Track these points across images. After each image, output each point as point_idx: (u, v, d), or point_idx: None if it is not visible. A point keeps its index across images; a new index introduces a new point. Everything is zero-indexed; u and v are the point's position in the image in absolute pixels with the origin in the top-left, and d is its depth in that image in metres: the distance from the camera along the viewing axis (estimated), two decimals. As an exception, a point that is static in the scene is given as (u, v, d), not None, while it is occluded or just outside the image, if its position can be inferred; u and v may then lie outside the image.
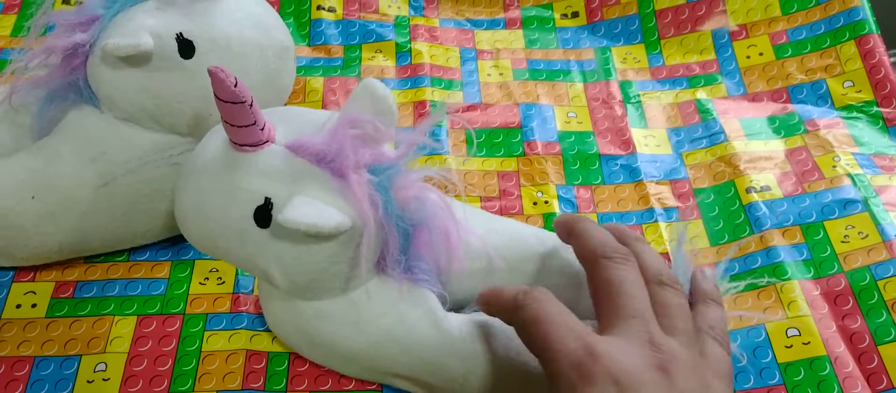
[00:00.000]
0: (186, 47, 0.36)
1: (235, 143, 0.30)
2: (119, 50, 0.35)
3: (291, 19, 0.54)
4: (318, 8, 0.55)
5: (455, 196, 0.33)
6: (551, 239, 0.36)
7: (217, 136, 0.31)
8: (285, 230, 0.29)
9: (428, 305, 0.33)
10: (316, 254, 0.30)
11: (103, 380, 0.37)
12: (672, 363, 0.28)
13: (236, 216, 0.30)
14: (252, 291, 0.40)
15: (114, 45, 0.35)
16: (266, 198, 0.29)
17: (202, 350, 0.38)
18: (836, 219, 0.42)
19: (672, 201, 0.45)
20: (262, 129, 0.29)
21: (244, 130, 0.29)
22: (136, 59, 0.36)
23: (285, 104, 0.48)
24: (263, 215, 0.29)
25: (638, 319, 0.29)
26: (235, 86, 0.28)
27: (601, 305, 0.30)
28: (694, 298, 0.33)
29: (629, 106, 0.51)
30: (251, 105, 0.28)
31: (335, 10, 0.55)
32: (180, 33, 0.36)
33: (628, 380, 0.27)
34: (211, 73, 0.27)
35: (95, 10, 0.37)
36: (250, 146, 0.29)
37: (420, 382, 0.34)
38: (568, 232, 0.33)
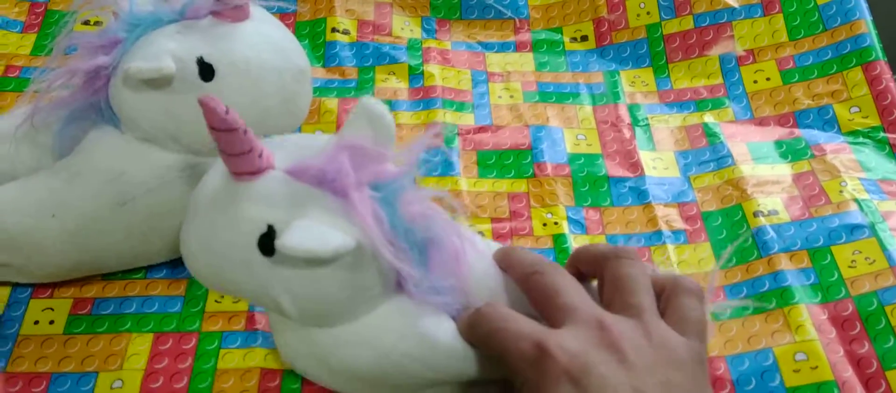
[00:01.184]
0: (207, 71, 0.37)
1: (234, 173, 0.29)
2: (141, 73, 0.36)
3: (306, 41, 0.55)
4: (333, 30, 0.55)
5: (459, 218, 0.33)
6: None
7: (216, 171, 0.31)
8: (290, 257, 0.28)
9: (449, 320, 0.33)
10: (323, 278, 0.30)
11: (120, 396, 0.37)
12: (621, 339, 0.29)
13: (241, 247, 0.29)
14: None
15: (136, 69, 0.35)
16: (268, 225, 0.29)
17: (217, 368, 0.38)
18: (843, 244, 0.43)
19: (680, 224, 0.46)
20: (260, 157, 0.29)
21: (241, 158, 0.28)
22: (158, 82, 0.37)
23: (301, 126, 0.49)
24: (267, 243, 0.29)
25: (581, 309, 0.30)
26: (227, 113, 0.27)
27: (545, 312, 0.32)
28: (674, 290, 0.33)
29: (638, 129, 0.51)
30: (245, 132, 0.28)
31: (349, 33, 0.56)
32: (201, 57, 0.37)
33: (577, 365, 0.28)
34: (201, 102, 0.27)
35: (118, 33, 0.37)
36: (249, 174, 0.29)
37: (455, 385, 0.34)
38: (503, 262, 0.34)
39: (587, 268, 0.34)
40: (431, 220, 0.30)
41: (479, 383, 0.34)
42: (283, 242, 0.28)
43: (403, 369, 0.32)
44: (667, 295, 0.32)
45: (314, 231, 0.28)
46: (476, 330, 0.31)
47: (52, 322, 0.40)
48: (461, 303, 0.32)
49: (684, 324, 0.31)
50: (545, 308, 0.32)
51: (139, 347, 0.39)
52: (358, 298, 0.31)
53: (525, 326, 0.30)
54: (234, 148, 0.28)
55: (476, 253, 0.33)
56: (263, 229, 0.29)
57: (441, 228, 0.31)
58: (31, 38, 0.54)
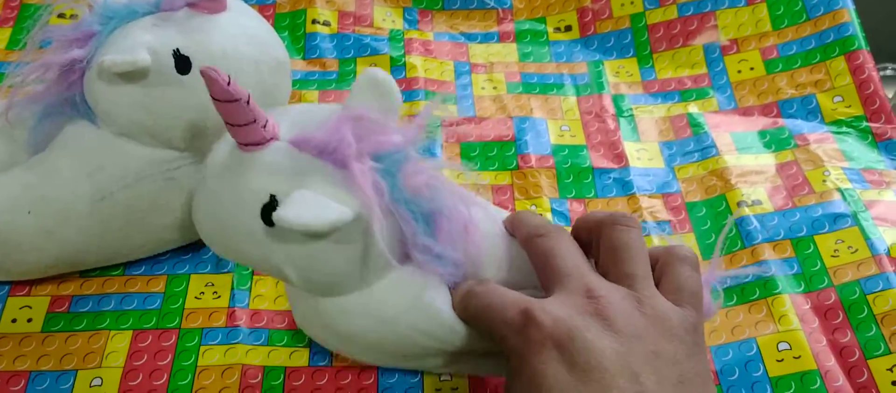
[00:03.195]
0: (183, 63, 0.37)
1: (239, 144, 0.30)
2: (116, 66, 0.35)
3: (286, 33, 0.55)
4: (314, 22, 0.55)
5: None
6: None
7: (226, 142, 0.31)
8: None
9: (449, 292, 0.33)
10: (324, 248, 0.30)
11: (99, 395, 0.37)
12: (609, 307, 0.29)
13: (245, 216, 0.30)
14: (247, 305, 0.41)
15: (111, 62, 0.35)
16: (271, 195, 0.29)
17: (198, 365, 0.38)
18: (826, 233, 0.43)
19: (664, 215, 0.46)
20: (264, 127, 0.29)
21: (245, 129, 0.29)
22: (133, 75, 0.36)
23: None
24: (270, 213, 0.29)
25: (573, 275, 0.30)
26: (228, 84, 0.28)
27: (541, 275, 0.32)
28: (668, 259, 0.32)
29: (622, 119, 0.51)
30: (248, 102, 0.28)
31: (330, 24, 0.55)
32: (177, 49, 0.37)
33: (562, 330, 0.28)
34: (203, 73, 0.27)
35: (92, 26, 0.37)
36: (254, 145, 0.29)
37: (461, 357, 0.34)
38: (511, 226, 0.34)
39: (586, 235, 0.33)
40: (436, 190, 0.30)
41: (479, 353, 0.34)
42: (280, 215, 0.28)
43: (407, 339, 0.32)
44: (661, 264, 0.32)
45: (312, 203, 0.28)
46: (468, 307, 0.31)
47: (30, 320, 0.40)
48: (470, 273, 0.32)
49: (679, 293, 0.31)
50: (542, 270, 0.31)
51: (118, 344, 0.39)
52: (361, 269, 0.31)
53: (512, 296, 0.30)
54: (237, 119, 0.28)
55: (489, 220, 0.33)
56: (266, 199, 0.29)
57: (448, 198, 0.31)
58: (6, 32, 0.53)
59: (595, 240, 0.32)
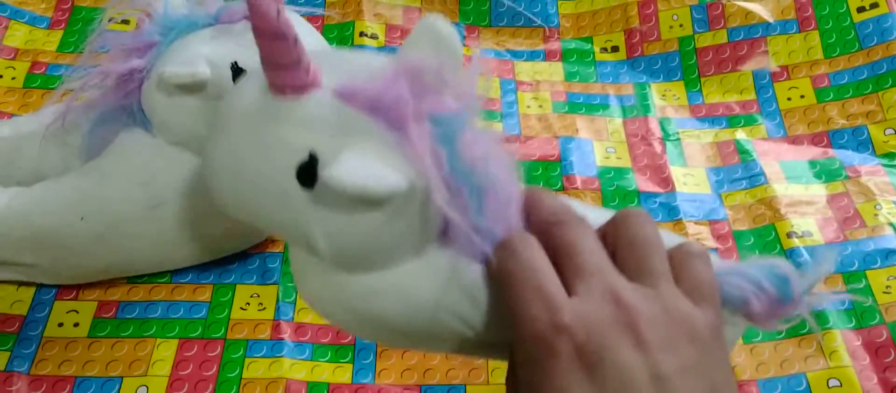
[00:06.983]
0: (240, 75, 0.37)
1: (276, 87, 0.25)
2: (176, 78, 0.35)
3: (334, 45, 0.55)
4: (361, 34, 0.55)
5: None
6: None
7: (253, 82, 0.26)
8: (332, 192, 0.25)
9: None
10: (368, 220, 0.26)
11: (145, 403, 0.37)
12: (638, 317, 0.27)
13: (276, 173, 0.25)
14: (292, 317, 0.41)
15: (171, 73, 0.35)
16: (310, 153, 0.25)
17: (242, 377, 0.38)
18: (878, 268, 0.42)
19: (711, 242, 0.45)
20: (307, 72, 0.25)
21: (286, 71, 0.24)
22: (192, 87, 0.36)
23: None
24: (308, 173, 0.25)
25: (597, 276, 0.28)
26: (279, 17, 0.23)
27: (561, 268, 0.29)
28: (681, 256, 0.30)
29: (668, 143, 0.51)
30: (296, 41, 0.24)
31: (378, 37, 0.55)
32: (235, 62, 0.37)
33: (592, 348, 0.26)
34: (250, 3, 0.23)
35: (152, 36, 0.37)
36: (293, 90, 0.25)
37: (485, 346, 0.30)
38: (528, 202, 0.30)
39: (601, 230, 0.30)
40: (490, 164, 0.26)
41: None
42: (331, 173, 0.24)
43: (440, 325, 0.28)
44: (676, 261, 0.30)
45: (366, 165, 0.24)
46: (502, 260, 0.27)
47: (76, 325, 0.40)
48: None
49: (698, 291, 0.29)
50: (561, 262, 0.28)
51: (164, 352, 0.39)
52: (400, 244, 0.27)
53: (546, 286, 0.27)
54: (280, 58, 0.24)
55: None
56: (304, 157, 0.25)
57: (500, 171, 0.27)
58: (57, 34, 0.54)
59: (611, 234, 0.30)
